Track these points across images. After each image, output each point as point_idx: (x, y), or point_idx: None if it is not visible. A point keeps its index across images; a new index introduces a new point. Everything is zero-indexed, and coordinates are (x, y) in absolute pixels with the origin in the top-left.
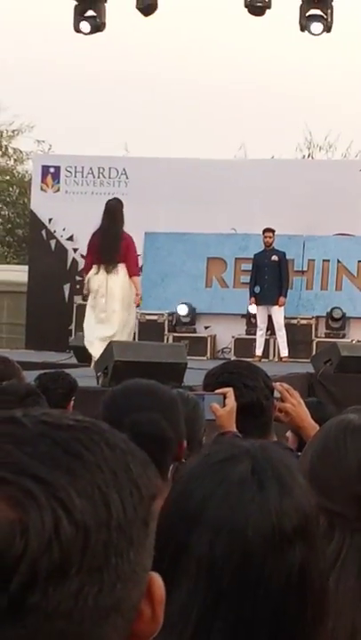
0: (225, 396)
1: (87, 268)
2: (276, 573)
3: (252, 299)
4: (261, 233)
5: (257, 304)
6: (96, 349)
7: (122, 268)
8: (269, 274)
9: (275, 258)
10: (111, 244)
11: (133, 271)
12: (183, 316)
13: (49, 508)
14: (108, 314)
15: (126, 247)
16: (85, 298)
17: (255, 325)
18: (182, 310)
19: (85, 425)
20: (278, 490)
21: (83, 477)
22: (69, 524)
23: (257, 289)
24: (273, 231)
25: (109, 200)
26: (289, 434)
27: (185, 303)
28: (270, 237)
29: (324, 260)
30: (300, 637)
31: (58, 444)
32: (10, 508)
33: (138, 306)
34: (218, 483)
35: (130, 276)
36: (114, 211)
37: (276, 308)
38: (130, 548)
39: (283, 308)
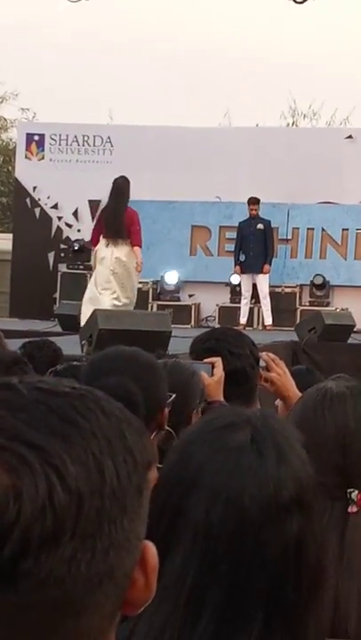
0: (213, 366)
1: (94, 242)
2: (272, 543)
3: (237, 267)
4: (246, 204)
5: (242, 272)
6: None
7: (127, 243)
8: (254, 242)
9: (260, 226)
10: (116, 221)
11: (135, 241)
12: (170, 284)
13: (43, 474)
14: (119, 286)
15: (130, 220)
16: (93, 267)
17: (239, 294)
18: (171, 277)
19: (81, 392)
20: (276, 459)
21: (77, 444)
22: (63, 490)
23: (242, 257)
24: (258, 202)
25: (117, 178)
26: (278, 402)
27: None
28: (255, 210)
29: (308, 229)
30: (295, 608)
31: (53, 410)
32: (3, 474)
33: (139, 272)
34: (216, 449)
35: (132, 245)
36: (121, 189)
37: (261, 276)
38: (123, 515)
39: (267, 276)
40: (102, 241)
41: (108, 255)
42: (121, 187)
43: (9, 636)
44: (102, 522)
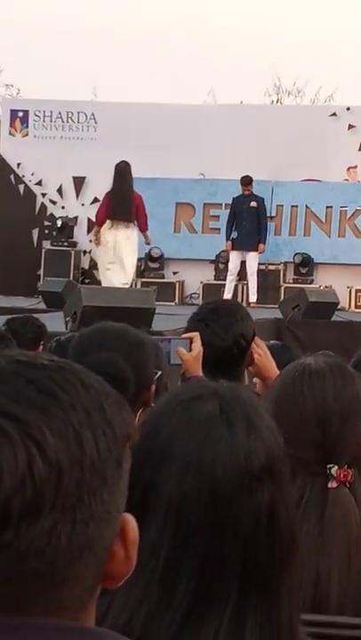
0: (191, 341)
1: (100, 223)
2: (244, 513)
3: (228, 243)
4: (239, 181)
5: (233, 249)
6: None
7: (133, 226)
8: (247, 219)
9: (253, 204)
10: (123, 204)
11: (143, 227)
12: (155, 259)
13: (22, 446)
14: (120, 264)
15: (137, 206)
16: (96, 245)
17: (223, 271)
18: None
19: (60, 365)
20: (246, 429)
21: (56, 416)
22: (43, 462)
23: (234, 234)
24: (251, 181)
25: (118, 163)
26: (256, 380)
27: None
28: (249, 190)
29: (292, 206)
30: (268, 577)
31: (32, 382)
32: None
33: (148, 244)
34: (186, 421)
35: (141, 231)
36: (123, 172)
37: (251, 253)
38: (103, 487)
39: (259, 254)
40: (108, 223)
41: (111, 237)
42: (123, 170)
43: None
44: (82, 493)
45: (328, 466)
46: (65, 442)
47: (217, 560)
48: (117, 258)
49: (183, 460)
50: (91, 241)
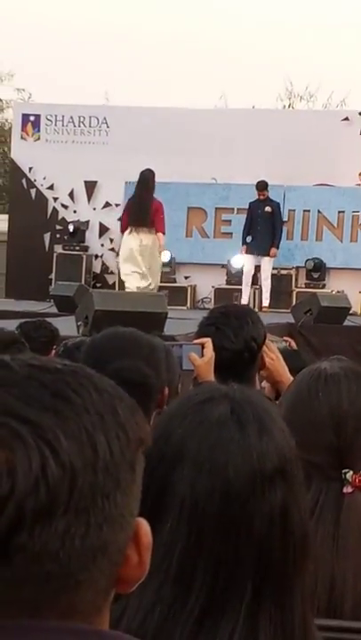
0: (203, 346)
1: (123, 229)
2: (258, 513)
3: (243, 247)
4: (255, 188)
5: (247, 253)
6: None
7: (151, 231)
8: (262, 224)
9: (268, 209)
10: (141, 210)
11: (159, 228)
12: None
13: (36, 448)
14: (145, 269)
15: (155, 210)
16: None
17: (235, 276)
18: (165, 256)
19: (73, 369)
20: (258, 430)
21: (70, 419)
22: (56, 464)
23: (249, 239)
24: (266, 186)
25: (143, 171)
26: (265, 383)
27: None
28: (264, 195)
29: (304, 211)
30: (282, 577)
31: (45, 386)
32: None
33: (160, 246)
34: (197, 423)
35: (156, 232)
36: (145, 180)
37: (266, 258)
38: (116, 490)
39: (273, 258)
40: (129, 229)
41: (134, 241)
42: (146, 178)
43: (3, 611)
44: (96, 496)
45: (343, 471)
46: (78, 445)
47: (230, 561)
48: (146, 262)
49: (196, 461)
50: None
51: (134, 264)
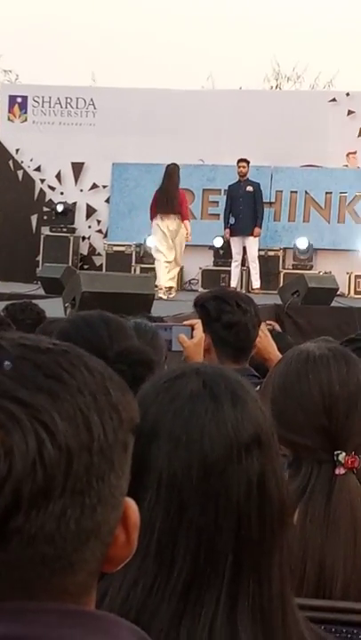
0: (193, 328)
1: (152, 217)
2: (235, 483)
3: (227, 230)
4: (235, 163)
5: (231, 235)
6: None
7: (177, 217)
8: (244, 204)
9: (249, 188)
10: (169, 199)
11: (184, 216)
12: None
13: (32, 430)
14: (167, 250)
15: (181, 200)
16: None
17: (222, 257)
18: (150, 241)
19: (64, 348)
20: (231, 401)
21: (65, 400)
22: (53, 446)
23: (232, 220)
24: (247, 162)
25: (169, 165)
26: None
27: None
28: (244, 167)
29: (291, 192)
30: (261, 548)
31: (39, 366)
32: None
33: (188, 240)
34: (170, 399)
35: (182, 220)
36: (172, 173)
37: (250, 239)
38: (111, 471)
39: (257, 239)
40: (157, 218)
41: (162, 228)
42: (171, 171)
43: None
44: (91, 478)
45: (336, 452)
46: (74, 426)
47: (211, 533)
48: (173, 246)
49: (171, 436)
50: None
51: (163, 250)
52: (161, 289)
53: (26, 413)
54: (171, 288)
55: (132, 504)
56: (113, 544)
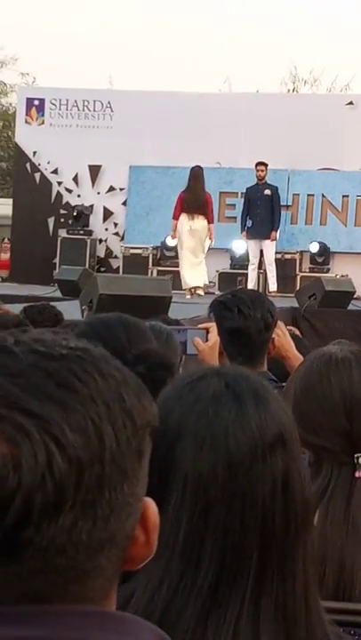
0: (208, 331)
1: (175, 217)
2: (260, 482)
3: (244, 233)
4: (254, 167)
5: (249, 238)
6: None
7: (203, 218)
8: (262, 208)
9: (267, 192)
10: (196, 200)
11: (210, 220)
12: (170, 246)
13: (42, 443)
14: (196, 253)
15: (206, 202)
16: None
17: (239, 260)
18: (172, 241)
19: (78, 354)
20: (255, 401)
21: (76, 411)
22: (63, 459)
23: (249, 223)
24: (265, 165)
25: (193, 167)
26: None
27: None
28: (263, 171)
29: (308, 195)
30: (285, 546)
31: (50, 375)
32: (3, 444)
33: (211, 241)
34: (193, 400)
35: (208, 222)
36: (197, 174)
37: (267, 242)
38: (124, 480)
39: (274, 242)
40: (183, 216)
41: (187, 228)
42: (197, 173)
43: (14, 603)
44: (103, 488)
45: (356, 455)
46: (85, 437)
47: (237, 532)
48: (196, 246)
49: (196, 437)
50: (173, 237)
51: (189, 253)
52: (188, 289)
53: (36, 425)
54: (197, 288)
55: (151, 505)
56: (132, 544)
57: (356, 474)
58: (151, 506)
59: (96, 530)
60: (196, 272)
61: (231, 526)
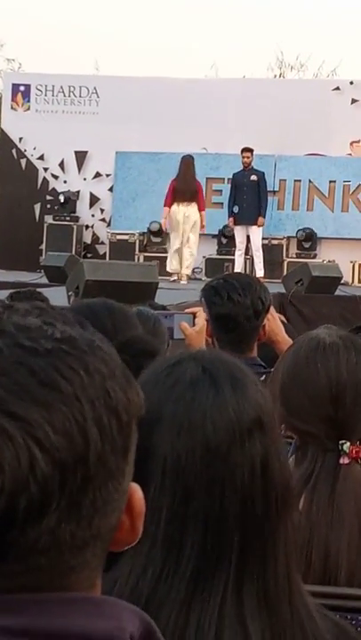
0: (195, 316)
1: (167, 205)
2: (239, 466)
3: (231, 218)
4: (240, 153)
5: (235, 224)
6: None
7: (193, 206)
8: (248, 193)
9: (254, 177)
10: (187, 187)
11: (201, 207)
12: (155, 232)
13: (25, 447)
14: (186, 240)
15: (197, 190)
16: (160, 230)
17: (226, 245)
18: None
19: (63, 347)
20: (232, 385)
21: (59, 411)
22: (46, 462)
23: (235, 209)
24: (251, 151)
25: (185, 156)
26: None
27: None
28: (248, 157)
29: (295, 180)
30: (266, 530)
31: (34, 373)
32: None
33: (203, 228)
34: (171, 385)
35: (199, 210)
36: (187, 163)
37: (254, 227)
38: (109, 479)
39: (261, 228)
40: (175, 205)
41: (179, 215)
42: (187, 162)
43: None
44: (87, 489)
45: (340, 442)
46: (69, 439)
47: (217, 517)
48: (187, 233)
49: (173, 422)
50: (161, 225)
51: (176, 237)
52: (171, 275)
53: (19, 429)
54: (178, 274)
55: (137, 491)
56: (118, 529)
57: (341, 460)
58: (137, 492)
59: (80, 529)
60: (183, 258)
61: (211, 511)
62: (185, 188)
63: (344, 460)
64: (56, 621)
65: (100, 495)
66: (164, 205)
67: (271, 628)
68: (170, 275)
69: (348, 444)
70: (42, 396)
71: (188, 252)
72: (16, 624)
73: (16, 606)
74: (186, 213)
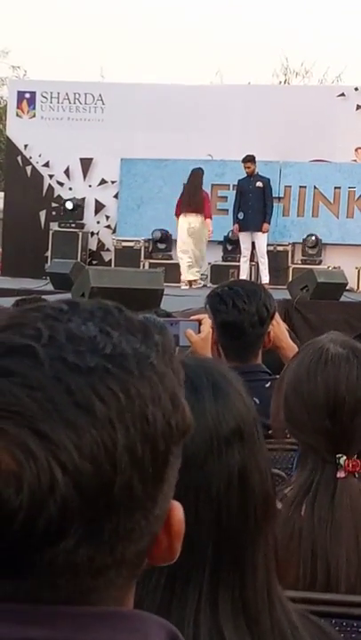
0: (200, 323)
1: (177, 214)
2: (216, 476)
3: (236, 225)
4: (241, 162)
5: (240, 230)
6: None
7: (200, 216)
8: (253, 200)
9: (259, 184)
10: (193, 198)
11: (207, 215)
12: (160, 239)
13: (47, 468)
14: (194, 251)
15: (202, 199)
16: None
17: (231, 252)
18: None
19: (108, 367)
20: (213, 393)
21: (89, 434)
22: (67, 485)
23: (240, 215)
24: (251, 160)
25: (194, 169)
26: None
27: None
28: (249, 168)
29: (300, 187)
30: (243, 539)
31: (71, 392)
32: (8, 463)
33: (210, 237)
34: None
35: (205, 218)
36: (196, 175)
37: (259, 234)
38: (136, 509)
39: (266, 234)
40: (182, 216)
41: (185, 225)
42: (196, 174)
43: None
44: (110, 516)
45: (337, 455)
46: (95, 465)
47: (191, 526)
48: (195, 243)
49: None
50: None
51: (187, 250)
52: (183, 282)
53: (43, 448)
54: (194, 281)
55: (177, 511)
56: (156, 546)
57: (338, 474)
58: (177, 511)
59: (100, 554)
60: (192, 267)
61: (185, 519)
62: (188, 199)
63: (341, 474)
64: (82, 634)
65: (123, 522)
66: (175, 214)
67: (252, 638)
68: (177, 282)
69: (345, 457)
70: (73, 416)
71: (198, 261)
72: (42, 636)
73: (42, 618)
74: (191, 224)
